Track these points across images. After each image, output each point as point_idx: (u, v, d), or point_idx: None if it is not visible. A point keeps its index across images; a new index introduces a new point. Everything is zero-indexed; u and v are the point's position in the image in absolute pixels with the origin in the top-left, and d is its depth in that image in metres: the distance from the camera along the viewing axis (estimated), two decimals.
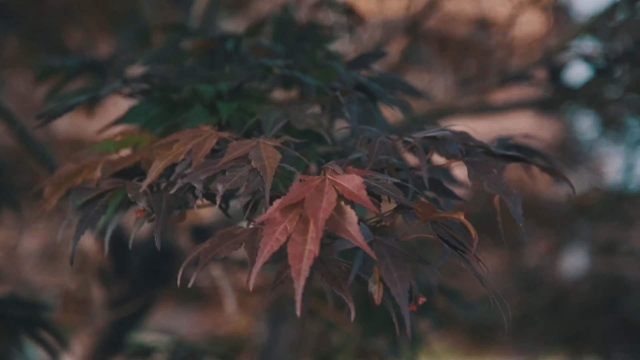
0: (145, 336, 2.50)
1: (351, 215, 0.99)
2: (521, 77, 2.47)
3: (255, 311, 2.90)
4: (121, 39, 2.66)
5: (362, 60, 1.47)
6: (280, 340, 2.90)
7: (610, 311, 3.25)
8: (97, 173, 1.22)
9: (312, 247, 0.97)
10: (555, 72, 2.41)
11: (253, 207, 1.19)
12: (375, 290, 1.01)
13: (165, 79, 1.44)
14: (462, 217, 1.03)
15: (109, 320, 2.37)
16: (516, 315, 3.38)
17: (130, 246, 1.18)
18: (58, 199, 1.22)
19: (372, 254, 0.97)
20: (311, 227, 0.98)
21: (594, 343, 3.26)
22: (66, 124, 3.04)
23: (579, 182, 3.69)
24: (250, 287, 1.00)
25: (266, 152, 1.12)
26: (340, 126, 1.33)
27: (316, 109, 1.28)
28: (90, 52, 2.77)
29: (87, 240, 2.55)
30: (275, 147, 1.14)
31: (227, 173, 1.11)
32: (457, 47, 3.09)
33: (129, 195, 1.16)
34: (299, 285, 0.96)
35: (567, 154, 3.55)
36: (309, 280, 1.28)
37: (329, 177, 1.03)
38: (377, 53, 1.49)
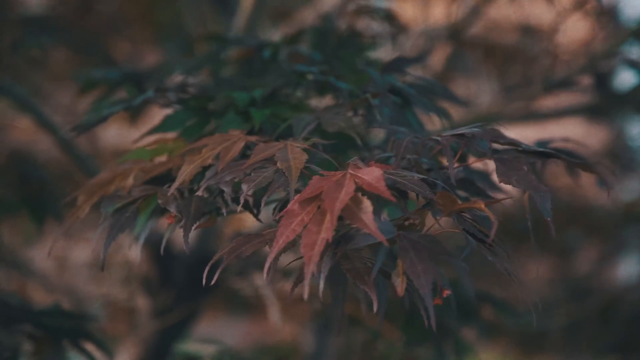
0: (191, 345, 2.51)
1: (367, 205, 0.99)
2: (566, 83, 2.45)
3: (302, 320, 2.89)
4: (166, 50, 2.69)
5: (398, 65, 1.46)
6: (327, 350, 2.89)
7: None
8: (130, 180, 1.23)
9: (325, 235, 0.97)
10: (602, 78, 2.38)
11: (281, 209, 1.20)
12: (399, 283, 1.01)
13: (201, 88, 1.45)
14: (483, 206, 1.03)
15: (154, 330, 2.38)
16: (566, 324, 3.35)
17: (162, 252, 1.18)
18: (90, 207, 1.22)
19: (384, 240, 0.96)
20: (327, 217, 0.98)
21: None
22: (112, 136, 3.08)
23: (630, 189, 3.65)
24: (265, 276, 1.00)
25: (292, 154, 1.13)
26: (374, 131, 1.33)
27: (349, 113, 1.28)
28: (136, 64, 2.79)
29: (133, 251, 2.57)
30: (303, 149, 1.14)
31: (252, 174, 1.11)
32: (502, 54, 3.07)
33: (159, 201, 1.17)
34: (308, 271, 0.96)
35: (617, 161, 3.50)
36: (343, 286, 1.29)
37: (350, 171, 1.03)
38: (413, 58, 1.48)
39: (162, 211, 1.23)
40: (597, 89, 2.37)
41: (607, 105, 2.49)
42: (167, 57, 2.67)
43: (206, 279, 2.17)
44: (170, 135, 1.38)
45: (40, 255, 3.18)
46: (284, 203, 1.20)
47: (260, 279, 2.33)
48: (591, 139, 3.43)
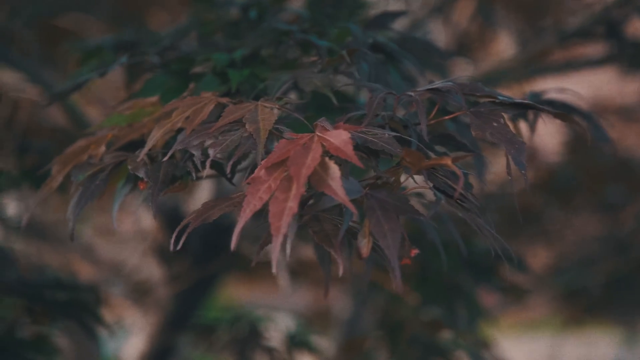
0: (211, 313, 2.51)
1: (334, 170, 0.96)
2: (581, 34, 2.38)
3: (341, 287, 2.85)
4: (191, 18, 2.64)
5: (382, 20, 1.42)
6: (364, 316, 2.87)
7: None
8: (102, 148, 1.21)
9: (292, 204, 0.94)
10: (614, 27, 2.31)
11: (251, 173, 1.17)
12: (365, 244, 0.98)
13: (182, 52, 1.42)
14: (449, 162, 0.99)
15: (169, 295, 2.37)
16: (608, 280, 3.29)
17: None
18: (64, 177, 1.20)
19: (352, 207, 0.93)
20: (294, 184, 0.95)
21: None
22: None
23: None
24: (233, 247, 0.97)
25: (262, 114, 1.09)
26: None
27: (329, 71, 1.25)
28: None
29: (147, 219, 2.56)
30: (274, 109, 1.11)
31: (219, 137, 1.08)
32: (531, 6, 2.96)
33: (129, 167, 1.15)
34: (277, 243, 0.93)
35: None
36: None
37: (318, 133, 1.00)
38: (397, 12, 1.44)
39: (136, 177, 1.21)
40: (611, 39, 2.29)
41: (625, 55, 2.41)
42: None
43: (226, 247, 2.14)
44: (150, 100, 1.36)
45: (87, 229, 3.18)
46: (253, 167, 1.18)
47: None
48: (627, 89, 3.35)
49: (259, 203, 0.97)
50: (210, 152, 1.06)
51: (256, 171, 0.99)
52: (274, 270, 0.93)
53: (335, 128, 1.02)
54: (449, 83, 1.12)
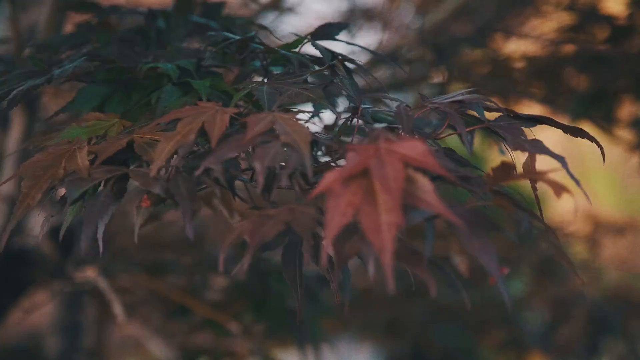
0: None
1: (424, 182, 0.91)
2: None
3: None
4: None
5: (327, 31, 1.38)
6: None
7: None
8: (82, 162, 1.08)
9: (392, 219, 0.88)
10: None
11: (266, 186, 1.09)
12: (460, 262, 0.94)
13: (109, 60, 1.31)
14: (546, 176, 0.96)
15: None
16: None
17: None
18: (42, 193, 1.06)
19: (459, 222, 0.89)
20: (381, 198, 0.89)
21: None
22: None
23: None
24: (323, 263, 0.90)
25: (290, 126, 1.02)
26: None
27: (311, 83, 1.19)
28: None
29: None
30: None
31: (256, 150, 1.00)
32: None
33: (137, 182, 1.03)
34: (387, 262, 0.87)
35: None
36: (299, 268, 1.20)
37: (384, 145, 0.94)
38: (341, 24, 1.40)
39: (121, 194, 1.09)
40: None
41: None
42: None
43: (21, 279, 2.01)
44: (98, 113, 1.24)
45: None
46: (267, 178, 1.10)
47: (93, 272, 2.15)
48: None
49: (344, 218, 0.90)
50: (257, 165, 0.97)
51: (327, 183, 0.91)
52: (390, 287, 0.86)
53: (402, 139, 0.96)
54: (474, 95, 1.10)
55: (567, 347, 3.05)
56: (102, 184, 1.06)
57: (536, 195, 1.08)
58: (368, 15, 3.08)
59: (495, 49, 2.57)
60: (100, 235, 1.04)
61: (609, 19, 2.35)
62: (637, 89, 2.37)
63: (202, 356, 2.36)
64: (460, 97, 1.10)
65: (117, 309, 2.06)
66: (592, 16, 2.37)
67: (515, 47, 2.64)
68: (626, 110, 2.42)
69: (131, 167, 1.08)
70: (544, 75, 2.50)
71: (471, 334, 3.20)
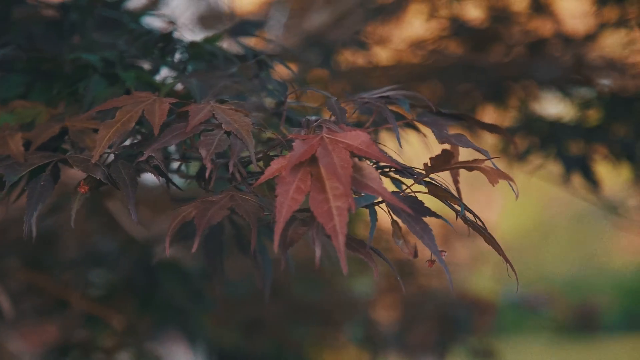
0: None
1: (370, 171, 0.95)
2: None
3: None
4: None
5: (244, 28, 1.41)
6: None
7: None
8: (19, 147, 1.08)
9: (343, 204, 0.92)
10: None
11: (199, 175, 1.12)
12: (403, 244, 0.98)
13: (26, 50, 1.31)
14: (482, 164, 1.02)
15: None
16: None
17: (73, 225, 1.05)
18: None
19: (404, 207, 0.93)
20: (330, 184, 0.93)
21: None
22: None
23: None
24: (276, 248, 0.93)
25: (229, 116, 1.05)
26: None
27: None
28: None
29: None
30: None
31: (201, 137, 1.02)
32: None
33: (77, 167, 1.04)
34: (340, 243, 0.90)
35: None
36: (219, 255, 1.23)
37: (327, 135, 0.98)
38: (257, 22, 1.43)
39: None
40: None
41: None
42: None
43: None
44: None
45: None
46: (201, 169, 1.13)
47: None
48: None
49: (294, 204, 0.93)
50: (203, 152, 1.00)
51: (273, 170, 0.95)
52: (344, 270, 0.90)
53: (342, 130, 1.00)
54: (400, 91, 1.15)
55: (422, 344, 3.15)
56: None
57: (458, 188, 1.14)
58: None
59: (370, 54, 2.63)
60: (33, 219, 1.04)
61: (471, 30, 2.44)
62: (495, 96, 2.46)
63: (75, 351, 2.33)
64: (387, 93, 1.14)
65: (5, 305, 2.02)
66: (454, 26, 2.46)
67: (388, 55, 2.72)
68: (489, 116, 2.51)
69: (68, 154, 1.08)
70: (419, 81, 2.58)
71: (326, 331, 3.26)
